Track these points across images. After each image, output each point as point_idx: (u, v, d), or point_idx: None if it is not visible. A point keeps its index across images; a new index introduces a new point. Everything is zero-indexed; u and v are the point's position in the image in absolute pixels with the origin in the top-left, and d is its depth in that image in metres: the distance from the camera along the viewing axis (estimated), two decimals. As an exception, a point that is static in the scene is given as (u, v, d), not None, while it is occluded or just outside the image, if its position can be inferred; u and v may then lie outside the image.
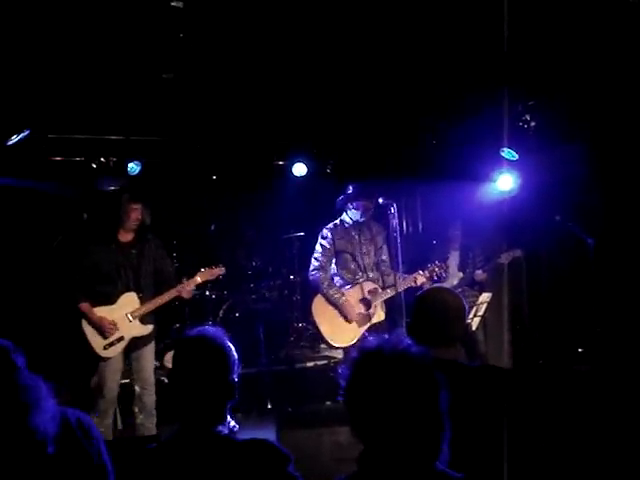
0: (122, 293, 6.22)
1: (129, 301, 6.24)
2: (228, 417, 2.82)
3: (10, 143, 6.84)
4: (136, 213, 6.22)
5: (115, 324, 6.14)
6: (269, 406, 7.67)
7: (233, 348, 2.83)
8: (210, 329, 2.86)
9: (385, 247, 7.13)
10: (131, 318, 6.20)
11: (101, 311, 6.14)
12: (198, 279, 6.49)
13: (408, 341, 2.16)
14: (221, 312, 8.79)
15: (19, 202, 7.57)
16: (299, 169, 8.25)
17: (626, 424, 5.09)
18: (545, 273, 8.58)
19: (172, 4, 4.80)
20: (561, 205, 7.59)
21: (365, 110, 7.49)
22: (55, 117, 6.98)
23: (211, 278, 6.68)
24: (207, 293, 8.44)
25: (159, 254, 6.46)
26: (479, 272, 7.54)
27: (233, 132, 7.92)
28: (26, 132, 6.83)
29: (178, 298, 6.51)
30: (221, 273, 6.71)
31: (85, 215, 8.30)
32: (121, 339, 6.15)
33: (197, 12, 5.13)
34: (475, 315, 7.02)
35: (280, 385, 7.92)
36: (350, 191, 6.97)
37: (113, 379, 6.18)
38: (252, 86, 6.75)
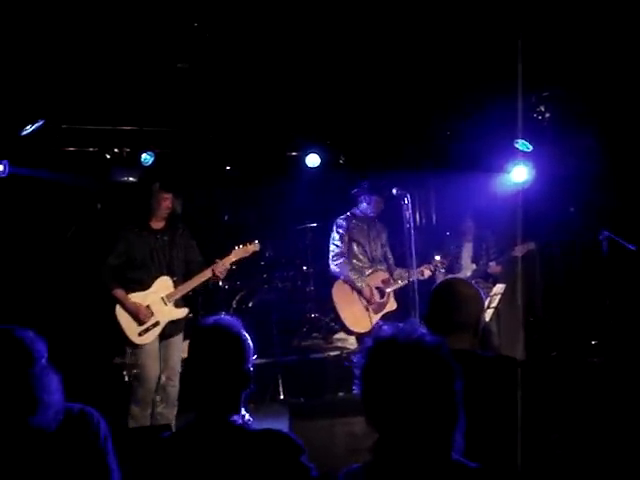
0: (156, 278, 6.24)
1: (164, 285, 6.26)
2: (243, 410, 2.82)
3: (24, 133, 6.85)
4: (167, 202, 6.28)
5: (150, 309, 6.15)
6: (282, 396, 7.69)
7: (249, 337, 2.83)
8: (226, 318, 2.86)
9: (388, 245, 7.43)
10: (167, 301, 6.22)
11: (136, 297, 6.16)
12: (232, 257, 6.47)
13: (422, 330, 2.16)
14: (234, 302, 8.79)
15: (33, 192, 7.59)
16: (312, 160, 8.24)
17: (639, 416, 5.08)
18: (559, 265, 8.56)
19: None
20: (575, 197, 7.57)
21: (379, 101, 7.47)
22: (69, 107, 6.99)
23: (246, 255, 6.61)
24: (220, 283, 8.43)
25: (189, 244, 6.50)
26: (492, 264, 7.55)
27: (246, 123, 7.91)
28: (40, 122, 6.84)
29: (208, 281, 6.51)
30: (256, 250, 6.66)
31: (99, 205, 8.32)
32: (157, 324, 6.16)
33: (212, 1, 5.12)
34: (489, 307, 7.00)
35: (293, 376, 7.93)
36: (365, 185, 7.10)
37: (152, 366, 6.18)
38: (266, 77, 6.73)
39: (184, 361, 5.70)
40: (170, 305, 6.24)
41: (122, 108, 7.12)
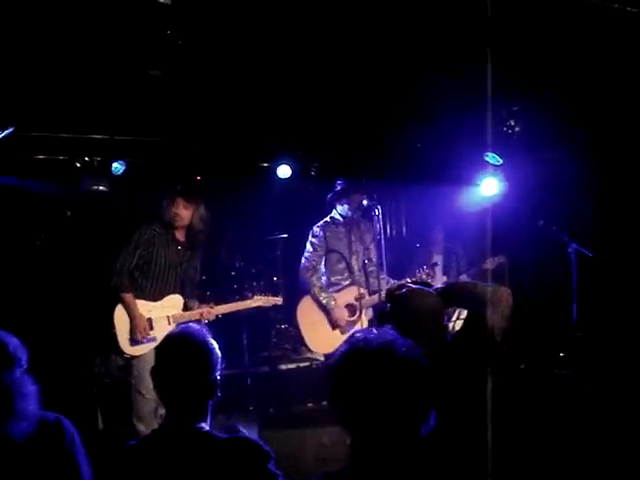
0: (168, 293, 6.12)
1: (174, 303, 6.15)
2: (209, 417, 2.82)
3: (-7, 141, 6.79)
4: (178, 209, 6.21)
5: (152, 323, 5.98)
6: (251, 407, 7.65)
7: (216, 346, 2.83)
8: (193, 327, 2.87)
9: (373, 246, 6.99)
10: (171, 322, 6.06)
11: (143, 305, 5.98)
12: (253, 303, 6.53)
13: (393, 333, 2.18)
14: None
15: (1, 200, 7.52)
16: (283, 171, 8.23)
17: (607, 427, 5.12)
18: (528, 278, 8.61)
19: (159, 0, 4.77)
20: (545, 210, 7.62)
21: (350, 113, 7.48)
22: (39, 115, 6.93)
23: (265, 305, 6.65)
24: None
25: (197, 264, 6.49)
26: (463, 276, 7.57)
27: (218, 133, 7.89)
28: (10, 130, 6.78)
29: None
30: (278, 303, 6.71)
31: (68, 212, 8.25)
32: (152, 340, 5.90)
33: (185, 9, 5.11)
34: (458, 318, 7.03)
35: (262, 386, 7.90)
36: (338, 187, 6.93)
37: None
38: (237, 87, 6.72)
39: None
40: (173, 326, 6.00)
41: (93, 116, 7.07)
